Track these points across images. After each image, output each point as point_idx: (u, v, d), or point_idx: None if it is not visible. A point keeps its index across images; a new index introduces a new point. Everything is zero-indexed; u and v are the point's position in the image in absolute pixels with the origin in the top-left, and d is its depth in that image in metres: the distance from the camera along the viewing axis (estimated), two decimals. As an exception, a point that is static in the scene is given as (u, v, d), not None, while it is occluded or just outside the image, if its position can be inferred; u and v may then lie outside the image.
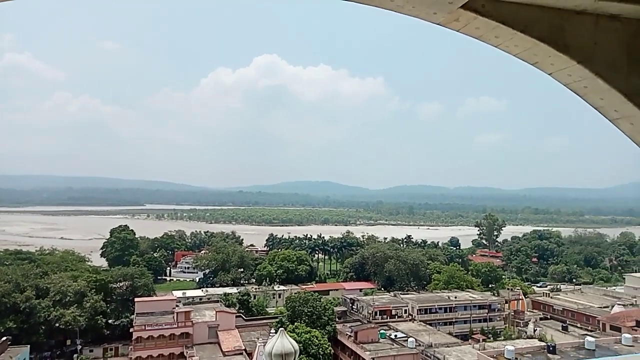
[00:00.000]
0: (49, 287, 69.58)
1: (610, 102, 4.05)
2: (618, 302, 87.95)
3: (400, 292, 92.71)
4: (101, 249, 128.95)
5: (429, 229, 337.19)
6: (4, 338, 57.08)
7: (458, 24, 3.91)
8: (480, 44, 3.97)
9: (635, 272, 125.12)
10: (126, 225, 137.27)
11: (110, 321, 71.61)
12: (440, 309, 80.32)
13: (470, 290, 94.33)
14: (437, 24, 4.03)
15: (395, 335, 64.48)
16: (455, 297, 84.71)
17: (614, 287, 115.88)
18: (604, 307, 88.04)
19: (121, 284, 77.34)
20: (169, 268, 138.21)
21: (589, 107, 4.28)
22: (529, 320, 79.53)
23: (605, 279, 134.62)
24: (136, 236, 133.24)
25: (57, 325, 65.14)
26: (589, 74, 3.87)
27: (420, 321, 75.31)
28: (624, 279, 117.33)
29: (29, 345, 59.95)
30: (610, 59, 3.84)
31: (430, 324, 74.10)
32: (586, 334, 65.12)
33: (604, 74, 3.85)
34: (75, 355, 67.31)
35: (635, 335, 57.13)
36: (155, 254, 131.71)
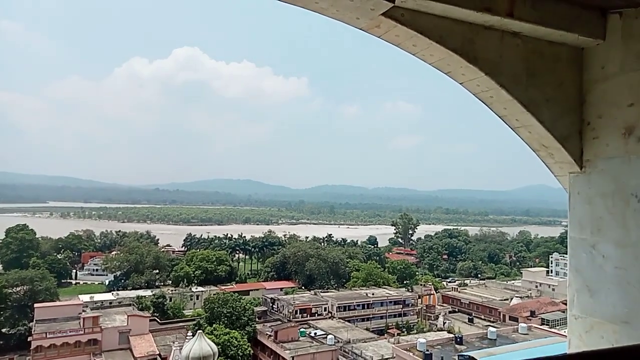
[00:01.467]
0: None
1: (512, 111, 4.40)
2: (516, 295, 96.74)
3: (320, 290, 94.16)
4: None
5: (349, 227, 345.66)
6: None
7: (379, 30, 4.04)
8: (400, 51, 4.14)
9: (531, 267, 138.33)
10: (25, 224, 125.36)
11: (4, 330, 65.00)
12: (358, 305, 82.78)
13: (386, 286, 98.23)
14: (360, 29, 4.14)
15: (315, 333, 65.39)
16: (373, 294, 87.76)
17: (513, 281, 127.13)
18: (504, 300, 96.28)
19: (18, 289, 70.65)
20: (74, 270, 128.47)
21: (495, 116, 4.64)
22: (440, 314, 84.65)
23: (506, 273, 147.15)
24: (37, 236, 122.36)
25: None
26: (494, 85, 4.17)
27: (339, 318, 77.06)
28: (521, 273, 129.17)
29: None
30: (512, 72, 4.18)
31: (349, 321, 76.12)
32: (489, 325, 70.70)
33: (508, 85, 4.18)
34: (-39, 370, 60.31)
35: (530, 325, 63.18)
36: (59, 256, 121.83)
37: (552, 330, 63.35)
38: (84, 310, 64.60)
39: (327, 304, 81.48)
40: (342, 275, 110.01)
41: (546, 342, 48.29)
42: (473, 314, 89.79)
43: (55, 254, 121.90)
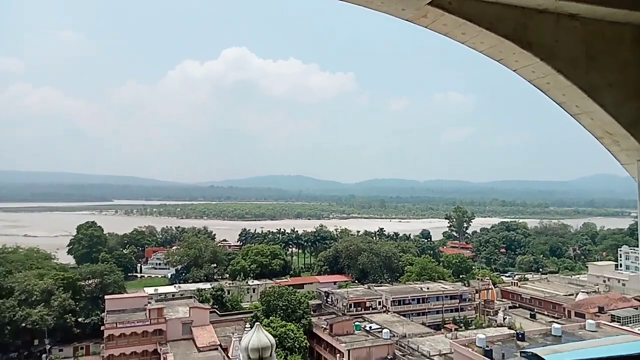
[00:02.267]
0: (13, 286, 67.27)
1: (571, 97, 4.21)
2: (582, 290, 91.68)
3: (374, 284, 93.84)
4: (68, 246, 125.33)
5: (400, 221, 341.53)
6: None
7: (426, 20, 3.98)
8: (448, 41, 4.06)
9: (597, 260, 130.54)
10: (93, 221, 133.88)
11: (79, 320, 69.80)
12: (413, 300, 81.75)
13: (441, 281, 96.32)
14: (406, 20, 4.10)
15: (370, 327, 65.32)
16: (428, 288, 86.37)
17: (577, 276, 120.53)
18: (569, 295, 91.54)
19: (90, 282, 75.51)
20: (139, 265, 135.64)
21: (552, 103, 4.44)
22: (499, 309, 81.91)
23: (570, 267, 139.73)
24: (104, 232, 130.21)
25: (23, 325, 63.13)
26: (551, 70, 4.00)
27: (394, 312, 76.52)
28: (587, 267, 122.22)
29: (-7, 347, 57.90)
30: (570, 56, 3.98)
31: (404, 315, 75.38)
32: (553, 321, 67.57)
33: (565, 70, 3.99)
34: (44, 355, 65.45)
35: (598, 321, 59.69)
36: (124, 251, 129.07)
37: (624, 327, 59.52)
38: (149, 302, 68.23)
39: (381, 297, 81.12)
40: (396, 269, 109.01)
41: (619, 340, 45.36)
42: (535, 310, 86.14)
43: (121, 249, 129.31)
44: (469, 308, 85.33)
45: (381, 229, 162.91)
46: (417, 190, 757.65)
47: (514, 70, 4.27)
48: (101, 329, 60.73)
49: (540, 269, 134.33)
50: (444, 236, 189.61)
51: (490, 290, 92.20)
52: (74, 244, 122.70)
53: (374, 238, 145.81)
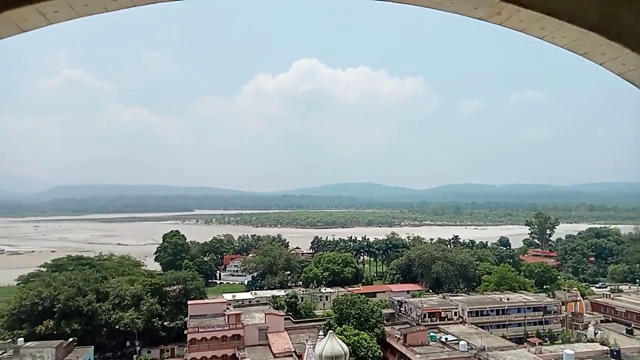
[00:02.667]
0: (108, 291, 73.16)
1: (668, 89, 3.86)
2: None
3: (449, 293, 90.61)
4: (155, 253, 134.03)
5: (476, 228, 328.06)
6: (70, 339, 60.48)
7: (500, 17, 3.85)
8: (522, 36, 3.89)
9: None
10: (177, 230, 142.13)
11: (165, 323, 74.22)
12: (492, 311, 77.82)
13: (523, 291, 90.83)
14: (478, 19, 3.99)
15: (446, 338, 63.10)
16: (508, 299, 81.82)
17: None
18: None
19: (174, 288, 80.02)
20: (218, 271, 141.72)
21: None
22: (589, 323, 75.56)
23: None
24: (187, 241, 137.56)
25: (117, 327, 68.36)
26: (644, 61, 3.70)
27: (471, 324, 73.24)
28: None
29: (92, 346, 63.19)
30: (666, 44, 3.66)
31: (482, 327, 71.95)
32: (653, 338, 61.14)
33: (661, 60, 3.68)
34: (135, 356, 70.36)
35: None
36: (205, 258, 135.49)
37: None
38: (227, 308, 71.03)
39: (457, 308, 78.08)
40: (472, 278, 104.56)
41: None
42: (632, 325, 78.37)
43: (202, 256, 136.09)
44: (555, 321, 79.54)
45: (456, 236, 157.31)
46: (494, 195, 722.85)
47: (600, 64, 4.00)
48: (185, 332, 64.13)
49: (637, 280, 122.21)
50: (524, 244, 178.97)
51: (578, 302, 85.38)
52: (160, 252, 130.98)
53: (449, 246, 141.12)
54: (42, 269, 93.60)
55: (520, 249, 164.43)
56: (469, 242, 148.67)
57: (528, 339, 70.97)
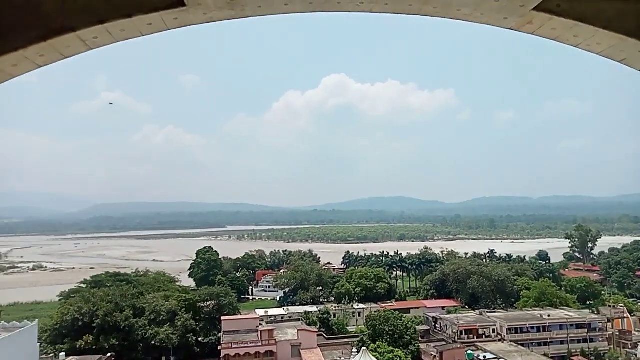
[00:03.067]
0: (144, 306, 74.59)
1: None
2: None
3: (486, 310, 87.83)
4: (189, 269, 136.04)
5: (513, 242, 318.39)
6: (109, 355, 61.89)
7: (531, 26, 3.79)
8: (556, 44, 3.81)
9: None
10: (210, 246, 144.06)
11: (199, 339, 74.79)
12: (532, 328, 74.92)
13: (565, 307, 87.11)
14: (509, 29, 3.94)
15: (485, 357, 61.06)
16: (549, 316, 78.62)
17: None
18: None
19: (208, 303, 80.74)
20: (251, 287, 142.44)
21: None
22: (638, 342, 71.54)
23: None
24: (220, 257, 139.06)
25: (153, 342, 69.43)
26: (687, 65, 3.55)
27: (510, 341, 70.68)
28: None
29: (128, 361, 64.35)
30: None
31: (522, 344, 69.34)
32: None
33: None
34: (169, 372, 71.12)
35: None
36: (238, 274, 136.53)
37: None
38: (260, 324, 71.17)
39: (495, 325, 75.53)
40: (510, 294, 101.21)
41: None
42: (686, 344, 73.70)
43: (234, 272, 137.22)
44: (600, 339, 75.77)
45: (492, 250, 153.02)
46: (531, 207, 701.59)
47: (639, 70, 3.85)
48: (218, 348, 64.49)
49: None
50: (564, 258, 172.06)
51: (625, 319, 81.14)
52: (194, 268, 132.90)
53: (484, 260, 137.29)
54: (82, 285, 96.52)
55: (560, 263, 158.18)
56: (505, 257, 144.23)
57: (572, 358, 67.82)
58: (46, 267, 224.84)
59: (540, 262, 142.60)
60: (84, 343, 64.51)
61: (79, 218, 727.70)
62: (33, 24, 3.38)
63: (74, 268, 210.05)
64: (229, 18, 3.92)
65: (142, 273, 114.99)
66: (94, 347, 64.04)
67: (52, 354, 60.64)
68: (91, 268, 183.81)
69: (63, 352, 61.08)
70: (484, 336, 73.19)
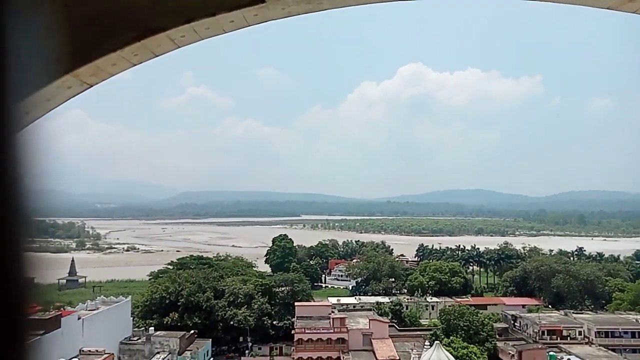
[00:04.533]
0: (224, 289, 78.77)
1: None
2: None
3: (571, 310, 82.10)
4: (265, 255, 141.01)
5: (605, 240, 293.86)
6: (192, 332, 66.33)
7: (633, 4, 3.46)
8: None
9: None
10: (285, 234, 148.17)
11: (274, 322, 77.67)
12: (625, 332, 68.90)
13: (666, 313, 79.04)
14: (607, 9, 3.63)
15: (569, 359, 57.26)
16: (646, 321, 71.82)
17: None
18: None
19: (283, 289, 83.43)
20: (323, 275, 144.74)
21: None
22: None
23: None
24: (294, 244, 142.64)
25: (231, 323, 73.31)
26: None
27: (599, 345, 65.58)
28: None
29: (210, 339, 68.57)
30: None
31: (613, 350, 64.05)
32: None
33: None
34: (247, 352, 74.77)
35: None
36: (311, 262, 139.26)
37: None
38: (332, 311, 72.24)
39: (581, 327, 70.41)
40: (600, 295, 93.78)
41: None
42: None
43: (308, 260, 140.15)
44: None
45: (580, 248, 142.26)
46: (628, 203, 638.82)
47: None
48: (292, 332, 66.56)
49: None
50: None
51: None
52: (270, 254, 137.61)
53: (572, 258, 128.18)
54: (169, 266, 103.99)
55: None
56: (596, 255, 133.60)
57: (673, 369, 61.58)
58: (138, 248, 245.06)
59: (638, 262, 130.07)
60: (170, 320, 69.66)
61: (167, 205, 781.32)
62: (129, 26, 3.68)
63: (162, 250, 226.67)
64: (307, 12, 4.00)
65: (222, 257, 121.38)
66: (178, 324, 68.92)
67: (143, 328, 66.18)
68: (177, 251, 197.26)
69: (152, 326, 66.42)
70: (568, 338, 68.59)
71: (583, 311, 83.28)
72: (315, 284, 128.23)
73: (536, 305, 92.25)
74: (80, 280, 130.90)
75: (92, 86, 4.09)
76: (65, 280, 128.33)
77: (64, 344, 47.72)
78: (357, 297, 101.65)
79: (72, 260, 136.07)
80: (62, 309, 62.66)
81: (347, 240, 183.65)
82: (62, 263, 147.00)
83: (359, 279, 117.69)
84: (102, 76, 4.04)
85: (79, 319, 53.36)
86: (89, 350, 49.96)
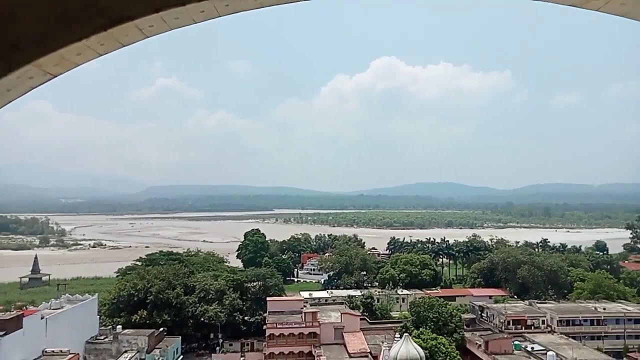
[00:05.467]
0: (195, 285, 77.81)
1: None
2: None
3: (535, 300, 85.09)
4: (237, 250, 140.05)
5: (568, 231, 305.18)
6: (161, 329, 65.26)
7: (597, 2, 3.56)
8: (625, 21, 3.55)
9: None
10: (257, 229, 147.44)
11: (246, 318, 77.36)
12: (585, 321, 71.97)
13: (622, 301, 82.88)
14: (570, 6, 3.73)
15: (532, 348, 59.40)
16: (604, 309, 75.11)
17: None
18: None
19: (254, 284, 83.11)
20: (296, 269, 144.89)
21: None
22: None
23: None
24: (267, 239, 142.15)
25: (202, 319, 72.53)
26: None
27: (561, 333, 68.29)
28: None
29: (180, 337, 67.64)
30: None
31: (574, 337, 66.81)
32: None
33: None
34: (217, 348, 74.16)
35: None
36: (283, 256, 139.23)
37: None
38: (304, 306, 72.54)
39: (545, 316, 73.14)
40: (563, 285, 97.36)
41: None
42: None
43: (280, 254, 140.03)
44: (663, 336, 71.57)
45: (545, 239, 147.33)
46: (591, 196, 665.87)
47: None
48: (264, 328, 66.47)
49: None
50: (625, 249, 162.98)
51: (692, 317, 76.04)
52: (242, 249, 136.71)
53: (536, 250, 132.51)
54: (137, 262, 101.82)
55: (620, 254, 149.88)
56: (559, 246, 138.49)
57: (629, 354, 64.71)
58: (105, 244, 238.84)
59: (598, 252, 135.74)
60: (138, 317, 68.33)
61: (135, 199, 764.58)
62: (94, 14, 3.55)
63: (130, 246, 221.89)
64: (279, 3, 3.95)
65: (193, 253, 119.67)
66: (147, 322, 67.71)
67: (110, 326, 64.70)
68: (146, 247, 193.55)
69: (120, 325, 64.99)
70: (532, 327, 71.12)
71: (546, 301, 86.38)
72: (288, 278, 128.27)
73: (502, 295, 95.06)
74: (44, 278, 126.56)
75: (56, 76, 3.92)
76: (27, 279, 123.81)
77: (26, 344, 46.19)
78: (329, 291, 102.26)
79: (36, 258, 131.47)
80: (24, 308, 60.58)
81: (320, 234, 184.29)
82: (24, 260, 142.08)
83: (331, 273, 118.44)
84: (67, 66, 3.89)
85: (42, 318, 51.58)
86: (53, 351, 48.53)
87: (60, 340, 50.75)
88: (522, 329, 69.99)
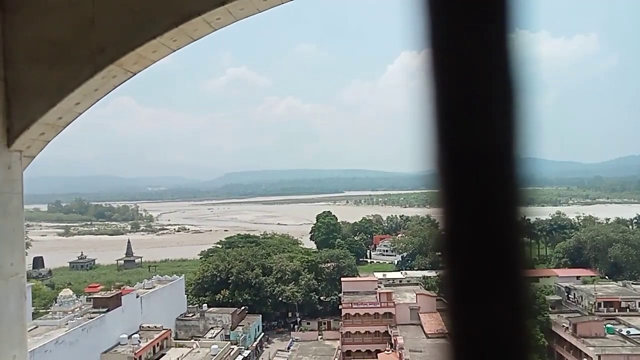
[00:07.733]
0: (272, 266, 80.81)
1: None
2: None
3: (631, 281, 78.56)
4: (310, 233, 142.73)
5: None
6: (243, 308, 68.86)
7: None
8: None
9: None
10: (329, 211, 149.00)
11: (321, 298, 79.12)
12: (691, 304, 65.30)
13: None
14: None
15: (628, 332, 55.11)
16: None
17: None
18: None
19: (328, 265, 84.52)
20: (368, 250, 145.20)
21: None
22: None
23: None
24: (338, 221, 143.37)
25: (280, 299, 75.39)
26: None
27: (662, 317, 62.59)
28: None
29: (260, 315, 70.98)
30: None
31: (678, 322, 60.91)
32: None
33: None
34: (295, 326, 76.88)
35: None
36: (355, 238, 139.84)
37: None
38: (379, 286, 72.72)
39: (642, 298, 67.37)
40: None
41: None
42: None
43: (353, 236, 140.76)
44: None
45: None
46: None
47: None
48: (339, 307, 67.70)
49: None
50: None
51: None
52: (315, 231, 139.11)
53: (630, 227, 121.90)
54: (218, 245, 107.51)
55: None
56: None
57: None
58: (188, 229, 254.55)
59: None
60: (221, 296, 72.48)
61: (213, 186, 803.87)
62: (165, 12, 3.77)
63: (210, 230, 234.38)
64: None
65: (268, 235, 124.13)
66: (230, 301, 71.63)
67: (197, 305, 69.34)
68: (225, 230, 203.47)
69: (205, 303, 69.43)
70: (627, 310, 65.82)
71: (643, 282, 79.52)
72: (361, 259, 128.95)
73: (591, 276, 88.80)
74: (136, 261, 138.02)
75: (135, 74, 4.23)
76: (123, 261, 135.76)
77: (125, 320, 50.83)
78: (403, 272, 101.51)
79: (129, 242, 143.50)
80: (122, 288, 66.62)
81: (392, 215, 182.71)
82: (119, 244, 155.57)
83: (405, 254, 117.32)
84: (145, 63, 4.17)
85: (137, 297, 56.50)
86: (148, 327, 53.03)
87: (154, 316, 55.35)
88: (615, 311, 65.05)
